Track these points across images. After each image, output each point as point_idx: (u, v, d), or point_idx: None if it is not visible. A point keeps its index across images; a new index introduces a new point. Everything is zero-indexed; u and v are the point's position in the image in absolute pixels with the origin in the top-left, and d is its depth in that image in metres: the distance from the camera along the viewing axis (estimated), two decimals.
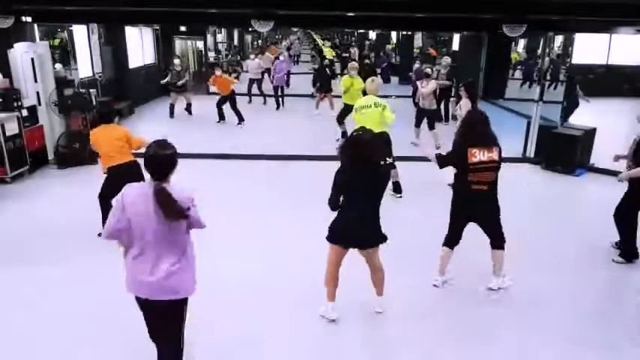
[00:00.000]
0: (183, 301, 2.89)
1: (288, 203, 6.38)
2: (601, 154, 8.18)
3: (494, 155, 4.11)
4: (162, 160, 2.76)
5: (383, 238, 3.69)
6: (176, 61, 12.04)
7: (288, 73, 16.42)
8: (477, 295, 4.34)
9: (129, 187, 2.80)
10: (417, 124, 9.46)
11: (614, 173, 6.21)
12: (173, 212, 2.70)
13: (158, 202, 2.68)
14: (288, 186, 6.97)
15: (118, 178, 4.65)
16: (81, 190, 6.91)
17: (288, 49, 20.01)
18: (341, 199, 3.60)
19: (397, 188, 6.47)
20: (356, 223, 3.59)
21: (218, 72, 11.26)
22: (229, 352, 3.55)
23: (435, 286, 4.42)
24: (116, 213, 2.74)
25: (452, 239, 4.38)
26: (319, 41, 30.37)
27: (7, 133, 6.86)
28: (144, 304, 2.89)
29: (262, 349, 3.59)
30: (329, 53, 20.42)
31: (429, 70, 9.87)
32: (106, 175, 5.15)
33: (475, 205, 4.23)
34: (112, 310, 3.90)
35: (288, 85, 15.21)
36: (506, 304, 4.21)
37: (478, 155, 4.07)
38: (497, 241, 4.33)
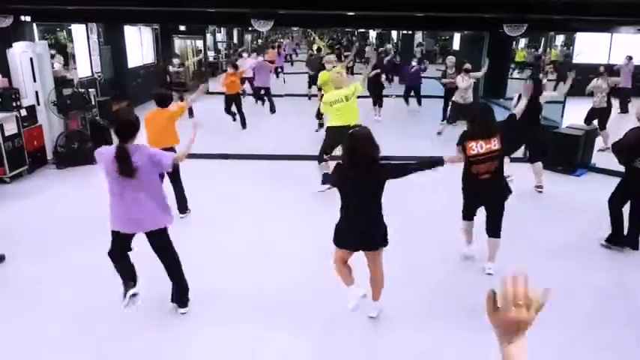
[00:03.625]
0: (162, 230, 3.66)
1: (290, 203, 6.36)
2: (602, 154, 8.18)
3: (493, 145, 4.20)
4: (126, 125, 3.46)
5: (385, 241, 3.61)
6: (175, 60, 11.71)
7: (277, 71, 17.00)
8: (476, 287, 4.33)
9: (102, 149, 3.54)
10: (455, 120, 9.40)
11: (615, 173, 6.22)
12: (127, 170, 3.36)
13: (117, 160, 3.35)
14: (289, 186, 6.95)
15: None
16: (80, 189, 6.90)
17: (279, 46, 20.02)
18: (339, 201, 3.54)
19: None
20: (359, 225, 3.51)
21: (230, 70, 10.57)
22: (225, 350, 3.54)
23: (466, 257, 4.73)
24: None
25: (467, 214, 4.66)
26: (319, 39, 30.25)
27: (6, 133, 6.83)
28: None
29: (257, 350, 3.57)
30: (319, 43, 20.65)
31: (468, 65, 9.65)
32: None
33: (482, 191, 4.42)
34: (107, 306, 3.90)
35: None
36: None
37: (475, 148, 4.22)
38: (495, 230, 4.50)
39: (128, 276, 3.75)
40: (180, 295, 3.89)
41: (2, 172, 6.83)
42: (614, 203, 5.08)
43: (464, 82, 9.31)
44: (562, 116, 8.91)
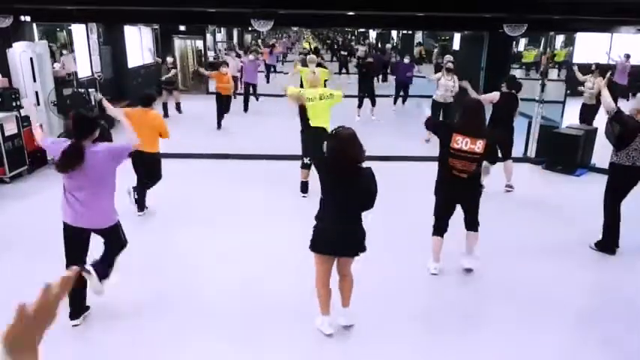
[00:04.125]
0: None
1: (286, 203, 6.36)
2: (602, 154, 8.17)
3: (477, 147, 4.14)
4: (83, 121, 3.47)
5: (365, 247, 3.49)
6: (169, 59, 11.84)
7: (270, 71, 17.57)
8: (474, 289, 4.34)
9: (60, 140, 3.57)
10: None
11: None
12: (66, 166, 3.32)
13: (64, 154, 3.32)
14: (285, 186, 6.94)
15: (136, 163, 5.52)
16: None
17: (272, 46, 20.14)
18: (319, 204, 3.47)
19: (304, 188, 6.49)
20: (343, 229, 3.40)
21: (224, 69, 10.56)
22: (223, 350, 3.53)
23: (433, 274, 4.54)
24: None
25: (439, 228, 4.50)
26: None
27: (6, 133, 6.84)
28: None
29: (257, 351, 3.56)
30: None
31: (450, 65, 9.74)
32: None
33: (457, 189, 4.34)
34: (106, 306, 3.90)
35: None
36: (505, 300, 4.21)
37: (460, 143, 4.15)
38: (473, 225, 4.50)
39: (76, 300, 3.69)
40: (102, 267, 3.71)
41: (2, 172, 6.83)
42: (609, 208, 5.06)
43: (444, 79, 9.36)
44: (562, 116, 8.92)
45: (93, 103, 8.49)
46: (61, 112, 7.81)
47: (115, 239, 3.72)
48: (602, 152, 8.23)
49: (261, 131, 10.52)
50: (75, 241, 3.61)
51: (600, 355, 3.61)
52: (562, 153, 7.81)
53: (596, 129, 8.45)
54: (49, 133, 7.81)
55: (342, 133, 3.35)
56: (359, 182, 3.34)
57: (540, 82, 8.91)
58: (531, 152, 8.51)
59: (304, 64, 14.14)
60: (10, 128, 6.93)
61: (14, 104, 7.15)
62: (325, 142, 3.43)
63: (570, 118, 9.13)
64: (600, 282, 4.74)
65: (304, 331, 3.74)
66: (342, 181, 3.34)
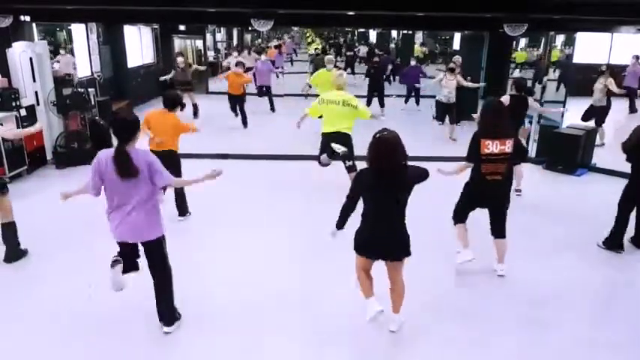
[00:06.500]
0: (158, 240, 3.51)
1: (290, 203, 6.35)
2: (602, 154, 8.17)
3: (507, 148, 4.17)
4: (124, 125, 3.33)
5: (408, 252, 3.44)
6: (179, 59, 11.56)
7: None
8: (476, 289, 4.33)
9: (101, 152, 3.37)
10: (442, 119, 9.91)
11: (615, 173, 6.21)
12: (126, 171, 3.23)
13: (115, 161, 3.24)
14: (290, 186, 6.94)
15: None
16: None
17: (279, 46, 20.19)
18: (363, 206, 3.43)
19: None
20: (381, 233, 3.38)
21: (239, 69, 10.44)
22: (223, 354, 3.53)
23: (467, 262, 4.51)
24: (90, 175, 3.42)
25: (460, 218, 4.53)
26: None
27: None
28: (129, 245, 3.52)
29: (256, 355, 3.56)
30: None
31: (452, 65, 10.03)
32: None
33: (490, 193, 4.34)
34: (110, 306, 3.90)
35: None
36: (506, 300, 4.19)
37: (490, 147, 4.16)
38: (501, 231, 4.46)
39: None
40: (167, 313, 3.69)
41: (2, 172, 6.81)
42: (624, 207, 5.03)
43: (446, 80, 9.58)
44: (562, 116, 8.90)
45: (92, 102, 8.48)
46: (60, 112, 7.80)
47: (158, 255, 3.56)
48: (603, 152, 8.26)
49: (262, 131, 10.51)
50: (125, 249, 3.56)
51: (604, 356, 3.59)
52: (562, 153, 7.80)
53: (596, 129, 8.46)
54: (49, 133, 7.82)
55: (384, 137, 3.25)
56: (401, 184, 3.29)
57: (539, 82, 8.91)
58: (532, 152, 8.49)
59: (316, 62, 14.08)
60: (10, 128, 6.91)
61: (14, 104, 7.14)
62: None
63: (570, 118, 9.12)
64: (604, 282, 4.72)
65: (304, 331, 3.73)
66: (383, 185, 3.27)
